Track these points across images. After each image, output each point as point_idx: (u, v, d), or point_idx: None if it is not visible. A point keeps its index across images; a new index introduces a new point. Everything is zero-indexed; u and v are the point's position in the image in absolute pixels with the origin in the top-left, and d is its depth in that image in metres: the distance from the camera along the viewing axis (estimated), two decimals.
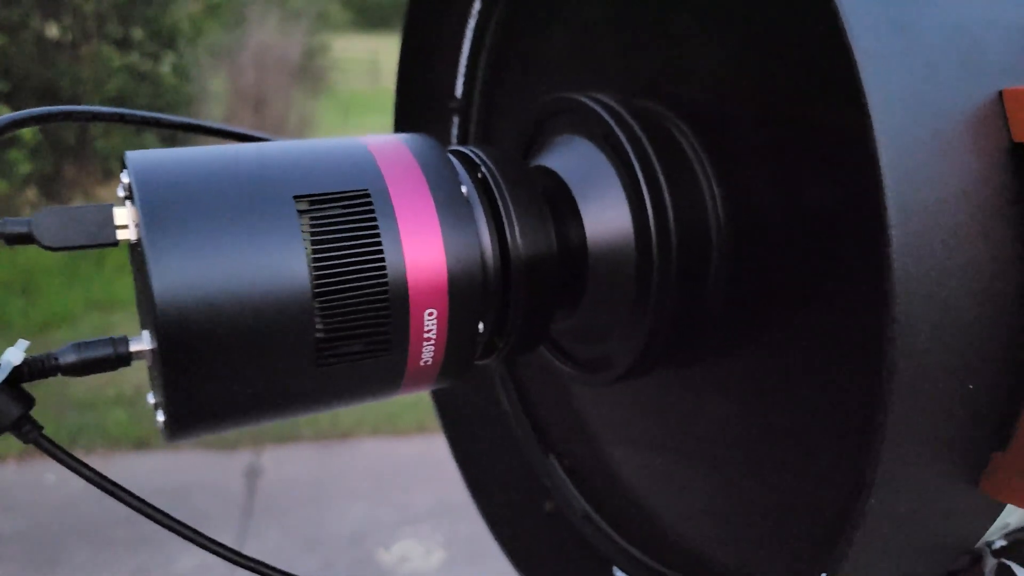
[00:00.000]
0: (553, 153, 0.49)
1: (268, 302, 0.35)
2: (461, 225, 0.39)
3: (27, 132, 4.20)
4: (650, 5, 0.49)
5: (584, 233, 0.45)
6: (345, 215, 0.37)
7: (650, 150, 0.43)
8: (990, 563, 0.43)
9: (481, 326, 0.41)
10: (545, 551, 0.60)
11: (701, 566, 0.51)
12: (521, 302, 0.43)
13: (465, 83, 0.63)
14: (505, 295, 0.42)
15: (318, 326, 0.36)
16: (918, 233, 0.27)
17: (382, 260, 0.37)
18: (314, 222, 0.36)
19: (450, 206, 0.39)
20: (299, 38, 6.02)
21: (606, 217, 0.45)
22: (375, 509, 2.90)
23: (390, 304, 0.37)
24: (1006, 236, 0.29)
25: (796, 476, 0.44)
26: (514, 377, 0.66)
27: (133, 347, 0.37)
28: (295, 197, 0.37)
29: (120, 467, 3.14)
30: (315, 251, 0.36)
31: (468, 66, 0.62)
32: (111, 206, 0.37)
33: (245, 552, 0.41)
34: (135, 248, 0.38)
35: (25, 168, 4.26)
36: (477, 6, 0.59)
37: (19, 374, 0.35)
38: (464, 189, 0.41)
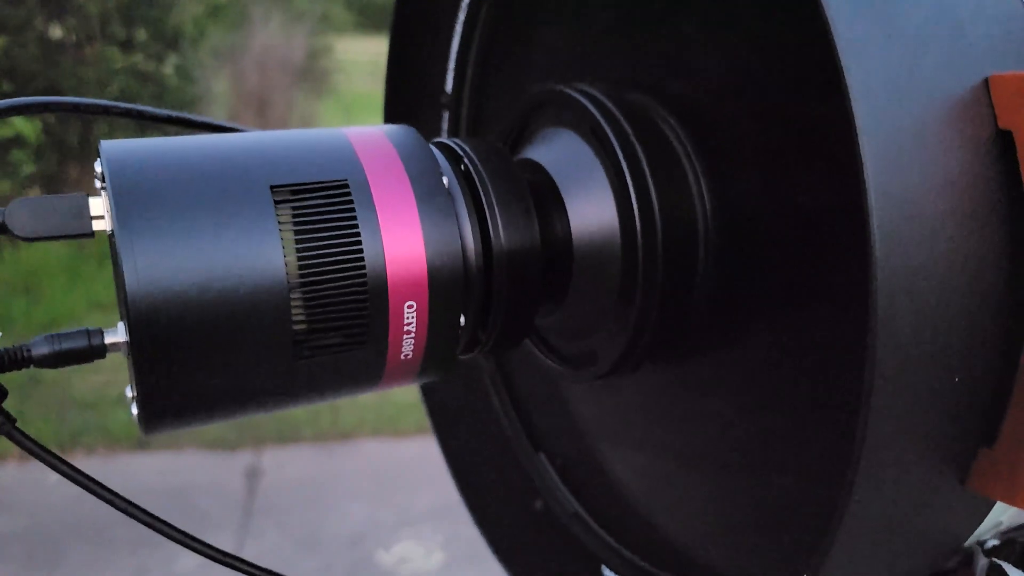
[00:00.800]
0: (539, 146, 0.48)
1: (243, 294, 0.35)
2: (442, 217, 0.39)
3: (31, 133, 4.20)
4: None
5: (569, 227, 0.45)
6: (323, 206, 0.37)
7: (637, 143, 0.43)
8: (981, 562, 0.42)
9: (463, 319, 0.41)
10: (534, 549, 0.59)
11: (690, 565, 0.50)
12: (504, 295, 0.42)
13: (455, 78, 0.62)
14: (487, 288, 0.42)
15: (295, 319, 0.36)
16: (901, 221, 0.27)
17: (360, 252, 0.37)
18: (291, 212, 0.36)
19: (431, 197, 0.39)
20: (302, 39, 6.03)
21: (592, 211, 0.44)
22: (375, 510, 2.89)
23: (369, 296, 0.37)
24: (993, 225, 0.28)
25: (785, 475, 0.44)
26: (504, 375, 0.66)
27: (108, 339, 0.36)
28: (272, 187, 0.36)
29: (121, 467, 3.14)
30: (292, 242, 0.35)
31: (458, 60, 0.62)
32: (86, 196, 0.36)
33: (246, 552, 0.40)
34: (111, 238, 0.37)
35: (28, 168, 4.26)
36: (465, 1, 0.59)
37: None
38: (446, 180, 0.40)
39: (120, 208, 0.33)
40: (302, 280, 0.36)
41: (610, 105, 0.44)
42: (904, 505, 0.33)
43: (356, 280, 0.37)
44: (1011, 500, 0.31)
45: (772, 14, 0.40)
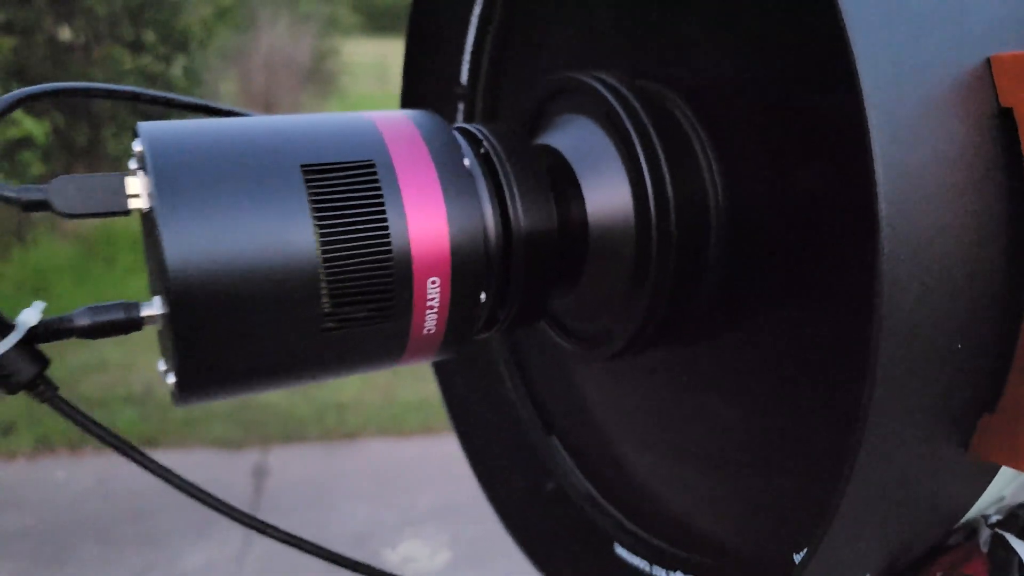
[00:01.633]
0: (556, 132, 0.50)
1: (276, 268, 0.36)
2: (464, 197, 0.40)
3: (40, 134, 4.23)
4: None
5: (585, 209, 0.46)
6: (351, 185, 0.38)
7: (651, 129, 0.44)
8: (984, 534, 0.44)
9: (483, 296, 0.42)
10: (548, 529, 0.61)
11: (700, 541, 0.51)
12: (522, 274, 0.43)
13: (470, 69, 0.64)
14: (506, 267, 0.43)
15: (324, 292, 0.37)
16: (906, 191, 0.28)
17: (387, 229, 0.38)
18: (320, 191, 0.37)
19: (453, 178, 0.40)
20: (309, 41, 6.06)
21: (606, 193, 0.45)
22: (380, 509, 2.91)
23: (394, 272, 0.38)
24: (995, 197, 0.30)
25: (790, 459, 0.45)
26: (517, 360, 0.67)
27: (144, 312, 0.38)
28: (302, 167, 0.38)
29: (129, 466, 3.14)
30: (322, 219, 0.37)
31: (473, 52, 0.63)
32: (123, 175, 0.38)
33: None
34: (147, 216, 0.39)
35: (37, 169, 4.29)
36: None
37: (35, 334, 0.36)
38: (467, 162, 0.42)
39: (160, 184, 0.35)
40: (331, 256, 0.37)
41: (626, 92, 0.45)
42: (907, 472, 0.34)
43: (382, 256, 0.38)
44: (1014, 464, 0.33)
45: (784, 2, 0.41)
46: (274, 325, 0.37)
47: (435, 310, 0.40)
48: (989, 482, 0.37)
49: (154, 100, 0.48)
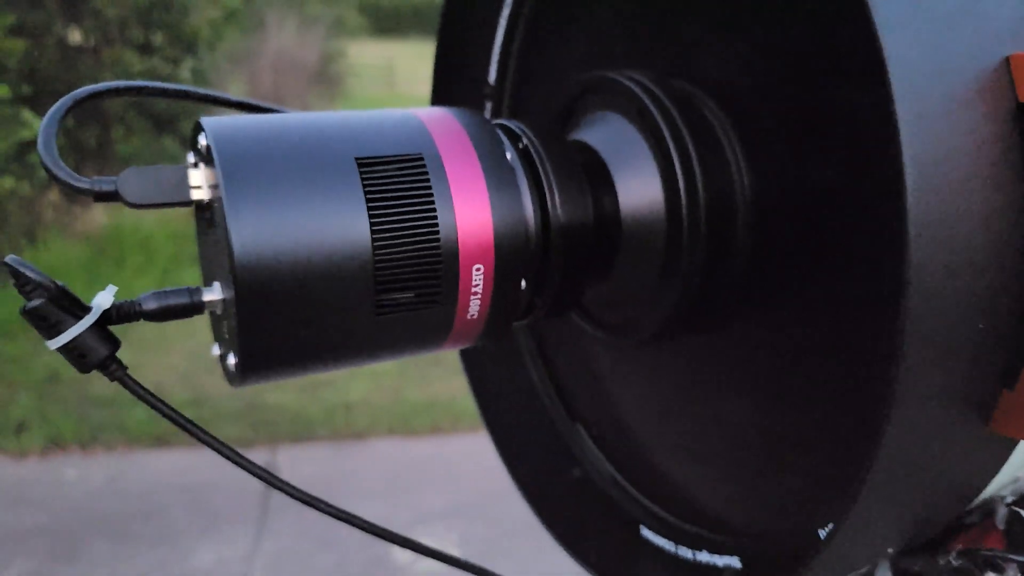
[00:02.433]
0: (589, 128, 0.52)
1: (334, 255, 0.38)
2: (506, 188, 0.43)
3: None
4: None
5: (618, 203, 0.48)
6: (402, 177, 0.40)
7: (682, 126, 0.46)
8: (1001, 511, 0.46)
9: (524, 284, 0.45)
10: (575, 514, 0.63)
11: (724, 523, 0.53)
12: (559, 264, 0.46)
13: (498, 69, 0.66)
14: (545, 256, 0.45)
15: (378, 278, 0.40)
16: (931, 178, 0.30)
17: (435, 218, 0.40)
18: (374, 182, 0.40)
19: (496, 171, 0.43)
20: (316, 43, 6.09)
21: (639, 188, 0.48)
22: (389, 509, 2.92)
23: (442, 259, 0.41)
24: (1012, 184, 0.32)
25: (815, 440, 0.47)
26: (542, 350, 0.69)
27: (206, 296, 0.40)
28: (357, 159, 0.40)
29: (140, 464, 3.19)
30: (375, 209, 0.39)
31: (502, 52, 0.65)
32: (186, 167, 0.41)
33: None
34: (206, 208, 0.41)
35: None
36: None
37: (107, 317, 0.38)
38: (508, 156, 0.44)
39: (227, 175, 0.37)
40: (384, 243, 0.39)
41: (656, 90, 0.47)
42: (931, 447, 0.36)
43: (431, 244, 0.40)
44: None
45: (811, 2, 0.43)
46: (331, 309, 0.39)
47: (479, 296, 0.43)
48: (1007, 458, 0.39)
49: (203, 98, 0.50)
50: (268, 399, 3.64)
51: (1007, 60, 0.33)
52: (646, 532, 0.58)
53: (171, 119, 4.89)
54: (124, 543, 2.71)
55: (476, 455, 2.84)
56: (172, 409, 0.40)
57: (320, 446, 3.41)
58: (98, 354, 0.38)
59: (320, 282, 0.38)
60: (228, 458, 0.42)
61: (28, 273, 0.36)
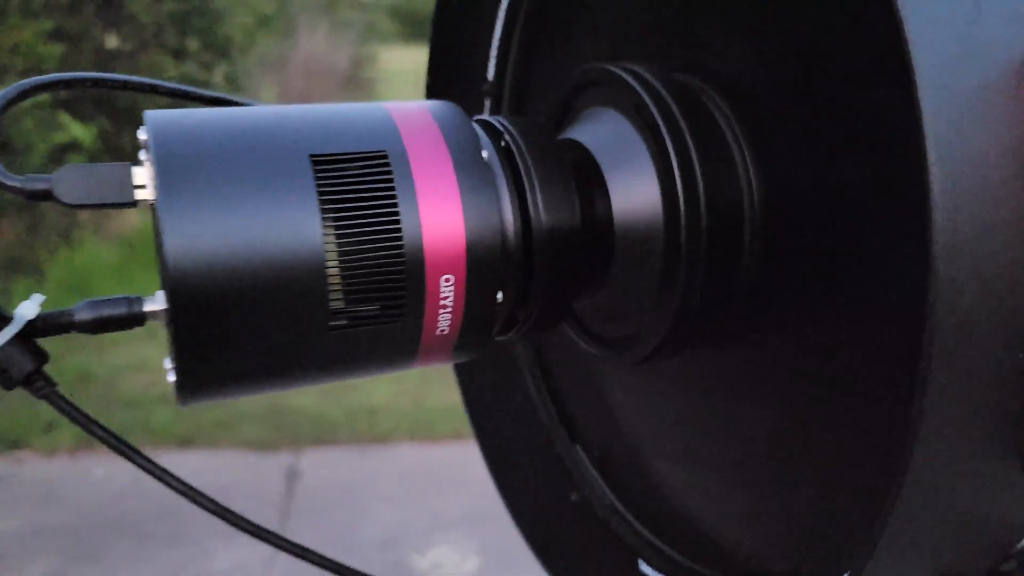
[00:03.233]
0: (583, 125, 0.47)
1: (281, 262, 0.34)
2: (481, 190, 0.38)
3: (86, 138, 4.31)
4: None
5: (610, 206, 0.44)
6: (362, 176, 0.36)
7: (681, 121, 0.42)
8: None
9: (500, 295, 0.40)
10: (569, 542, 0.58)
11: (728, 560, 0.49)
12: (543, 272, 0.41)
13: (497, 65, 0.62)
14: (527, 265, 0.41)
15: (331, 288, 0.36)
16: (962, 181, 0.26)
17: (398, 223, 0.36)
18: (329, 182, 0.36)
19: (470, 171, 0.38)
20: (347, 48, 6.12)
21: (634, 190, 0.43)
22: (410, 514, 2.90)
23: (405, 268, 0.37)
24: None
25: (830, 470, 0.42)
26: (542, 366, 0.65)
27: (147, 307, 0.36)
28: (311, 156, 0.36)
29: (164, 464, 3.20)
30: (329, 211, 0.35)
31: (500, 47, 0.61)
32: (130, 165, 0.37)
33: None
34: (153, 208, 0.37)
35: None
36: None
37: (33, 328, 0.35)
38: (486, 155, 0.40)
39: (162, 174, 0.33)
40: (339, 250, 0.35)
41: (655, 83, 0.43)
42: (959, 490, 0.31)
43: (392, 251, 0.36)
44: None
45: None
46: (280, 322, 0.35)
47: (448, 310, 0.38)
48: None
49: (148, 89, 0.47)
50: (291, 402, 3.64)
51: None
52: (644, 567, 0.53)
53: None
54: (146, 543, 2.71)
55: None
56: (102, 428, 0.37)
57: (342, 450, 3.39)
58: (22, 369, 0.34)
59: (267, 293, 0.34)
60: (173, 487, 0.38)
61: None
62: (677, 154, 0.41)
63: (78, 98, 4.40)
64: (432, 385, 3.83)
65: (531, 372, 0.65)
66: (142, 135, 0.36)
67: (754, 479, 0.48)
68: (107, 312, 0.36)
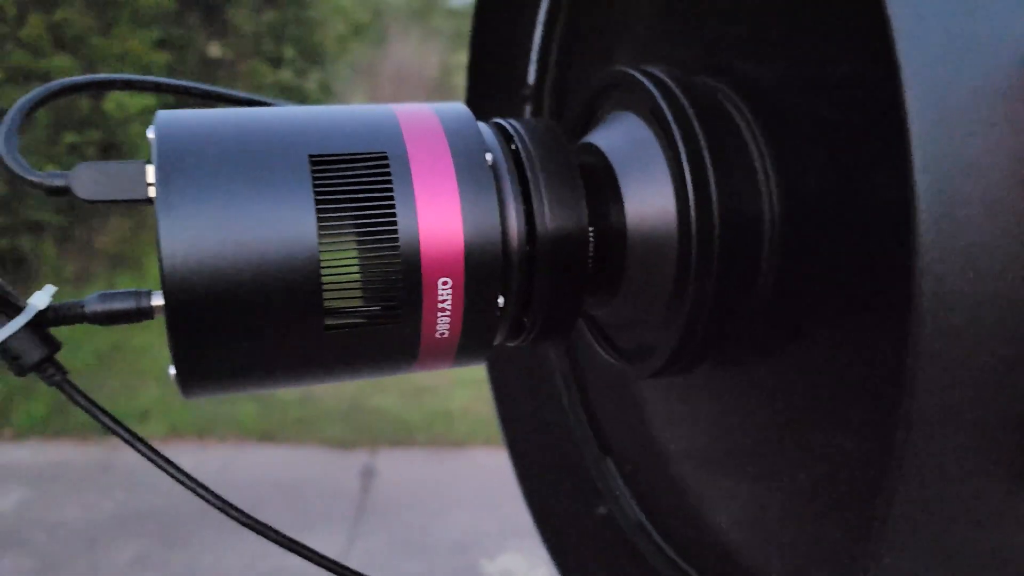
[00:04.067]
0: (604, 130, 0.46)
1: (276, 261, 0.35)
2: (482, 194, 0.38)
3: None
4: None
5: (624, 212, 0.42)
6: (360, 177, 0.36)
7: (697, 126, 0.40)
8: None
9: (502, 300, 0.40)
10: (592, 557, 0.57)
11: None
12: (547, 278, 0.40)
13: (537, 69, 0.62)
14: (531, 270, 0.40)
15: (326, 288, 0.36)
16: (952, 192, 0.23)
17: (394, 224, 0.36)
18: (326, 182, 0.36)
19: (471, 174, 0.38)
20: (437, 55, 6.22)
21: (648, 196, 0.42)
22: (482, 519, 2.90)
23: (401, 269, 0.36)
24: None
25: (853, 486, 0.40)
26: (576, 374, 0.64)
27: (154, 301, 0.37)
28: (311, 156, 0.36)
29: (248, 457, 3.31)
30: (325, 211, 0.35)
31: (540, 52, 0.61)
32: (143, 162, 0.38)
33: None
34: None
35: None
36: None
37: (44, 318, 0.36)
38: (490, 158, 0.39)
39: (162, 173, 0.34)
40: (334, 249, 0.35)
41: (673, 86, 0.41)
42: (953, 514, 0.29)
43: (388, 252, 0.36)
44: None
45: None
46: (274, 321, 0.36)
47: (447, 313, 0.38)
48: None
49: (178, 90, 0.48)
50: (371, 402, 3.71)
51: None
52: None
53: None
54: (228, 533, 2.81)
55: None
56: (114, 419, 0.38)
57: (418, 452, 3.43)
58: (32, 357, 0.36)
59: (261, 291, 0.35)
60: (178, 479, 0.39)
61: None
62: (690, 159, 0.39)
63: (181, 104, 4.62)
64: None
65: (564, 381, 0.64)
66: (150, 134, 0.37)
67: (785, 501, 0.45)
68: (116, 305, 0.37)
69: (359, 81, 5.80)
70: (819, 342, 0.41)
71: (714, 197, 0.39)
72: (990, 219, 0.24)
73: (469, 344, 0.40)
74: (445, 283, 0.37)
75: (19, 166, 0.37)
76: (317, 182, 0.36)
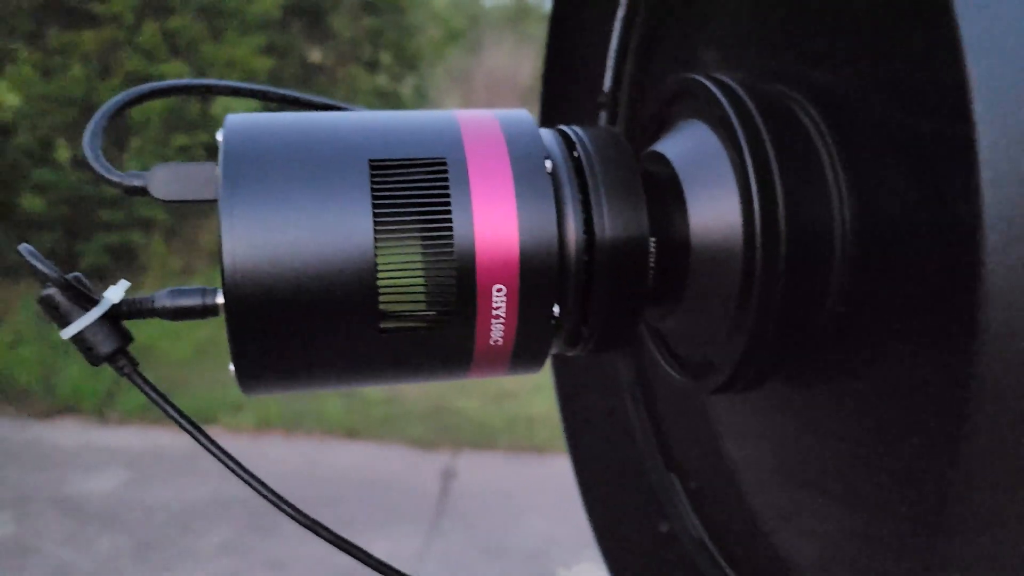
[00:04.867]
0: (672, 138, 0.45)
1: (333, 265, 0.35)
2: (539, 201, 0.37)
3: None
4: None
5: (688, 222, 0.41)
6: (418, 182, 0.37)
7: (765, 134, 0.39)
8: None
9: (558, 309, 0.39)
10: (651, 574, 0.56)
11: None
12: (606, 288, 0.40)
13: (613, 76, 0.61)
14: (589, 279, 0.40)
15: (382, 291, 0.36)
16: (1016, 204, 0.22)
17: (450, 229, 0.36)
18: (384, 186, 0.36)
19: (530, 181, 0.38)
20: (531, 62, 6.25)
21: (713, 206, 0.41)
22: (560, 527, 2.89)
23: (456, 275, 0.36)
24: None
25: (922, 511, 0.37)
26: (643, 385, 0.63)
27: (219, 299, 0.39)
28: (371, 161, 0.37)
29: (332, 453, 3.41)
30: (382, 215, 0.36)
31: (616, 59, 0.60)
32: (215, 165, 0.39)
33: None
34: None
35: None
36: None
37: (118, 311, 0.38)
38: (549, 165, 0.39)
39: (226, 175, 0.35)
40: (390, 253, 0.36)
41: (742, 94, 0.40)
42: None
43: (444, 258, 0.36)
44: None
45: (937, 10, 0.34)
46: (330, 325, 0.36)
47: (502, 320, 0.38)
48: None
49: (252, 94, 0.49)
50: (455, 403, 3.75)
51: None
52: None
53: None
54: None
55: None
56: (178, 410, 0.39)
57: (499, 456, 3.45)
58: (105, 348, 0.38)
59: (318, 293, 0.35)
60: (235, 472, 0.41)
61: (37, 264, 0.36)
62: (756, 169, 0.38)
63: (282, 108, 4.79)
64: None
65: (631, 393, 0.63)
66: (219, 137, 0.38)
67: (857, 527, 0.43)
68: (184, 302, 0.38)
69: (453, 87, 5.88)
70: (896, 360, 0.38)
71: (781, 208, 0.38)
72: None
73: (524, 352, 0.39)
74: (500, 290, 0.37)
75: (101, 167, 0.39)
76: (375, 186, 0.36)
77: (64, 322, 0.37)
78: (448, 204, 0.36)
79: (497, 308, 0.37)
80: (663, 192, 0.42)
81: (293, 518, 0.41)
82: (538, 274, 0.37)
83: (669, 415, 0.61)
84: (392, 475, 3.21)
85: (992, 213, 0.22)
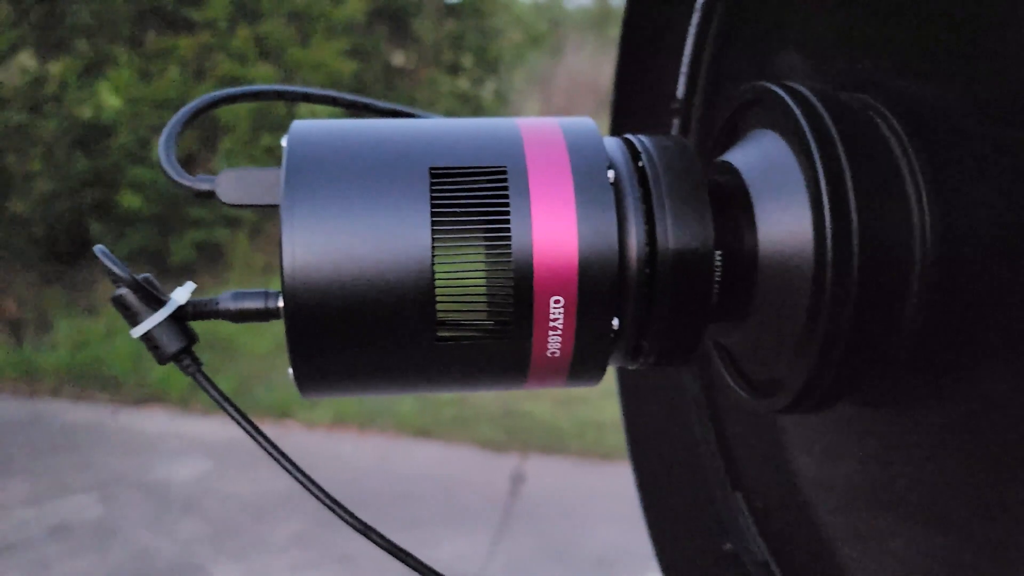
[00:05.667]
0: (742, 148, 0.44)
1: (391, 272, 0.35)
2: (600, 212, 0.37)
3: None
4: None
5: (756, 236, 0.40)
6: (478, 190, 0.36)
7: (840, 147, 0.37)
8: None
9: (616, 322, 0.38)
10: None
11: None
12: (668, 301, 0.39)
13: (687, 83, 0.59)
14: (650, 292, 0.39)
15: (439, 300, 0.36)
16: None
17: (508, 239, 0.36)
18: (443, 194, 0.36)
19: (590, 191, 0.37)
20: (611, 66, 6.21)
21: (783, 220, 0.39)
22: (628, 536, 2.86)
23: (513, 286, 0.36)
24: None
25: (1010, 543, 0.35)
26: (710, 400, 0.61)
27: (280, 303, 0.39)
28: (431, 169, 0.37)
29: (404, 451, 3.45)
30: (440, 224, 0.36)
31: (690, 65, 0.59)
32: (279, 170, 0.40)
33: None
34: None
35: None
36: (700, 2, 0.56)
37: (184, 312, 0.39)
38: (611, 175, 0.38)
39: (288, 181, 0.36)
40: (449, 262, 0.36)
41: (817, 104, 0.38)
42: None
43: (502, 268, 0.36)
44: None
45: None
46: (386, 331, 0.36)
47: (559, 332, 0.37)
48: None
49: (321, 99, 0.50)
50: (524, 406, 3.75)
51: None
52: None
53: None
54: (382, 521, 2.92)
55: None
56: (238, 411, 0.40)
57: (567, 461, 3.43)
58: (172, 347, 0.39)
59: (374, 298, 0.36)
60: (298, 480, 0.41)
61: (109, 265, 0.37)
62: (829, 183, 0.36)
63: (366, 111, 4.89)
64: None
65: (697, 407, 0.61)
66: (283, 143, 0.39)
67: (930, 552, 0.41)
68: (247, 304, 0.39)
69: (533, 90, 5.90)
70: (986, 381, 0.36)
71: (855, 223, 0.36)
72: None
73: (582, 365, 0.39)
74: (557, 301, 0.36)
75: (174, 170, 0.40)
76: (435, 194, 0.36)
77: (134, 321, 0.38)
78: (507, 213, 0.36)
79: (554, 320, 0.37)
80: (731, 204, 0.40)
81: (347, 522, 0.41)
82: (597, 286, 0.37)
83: (736, 432, 0.59)
84: (462, 476, 3.23)
85: None
